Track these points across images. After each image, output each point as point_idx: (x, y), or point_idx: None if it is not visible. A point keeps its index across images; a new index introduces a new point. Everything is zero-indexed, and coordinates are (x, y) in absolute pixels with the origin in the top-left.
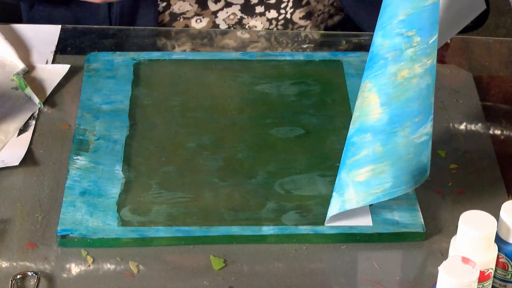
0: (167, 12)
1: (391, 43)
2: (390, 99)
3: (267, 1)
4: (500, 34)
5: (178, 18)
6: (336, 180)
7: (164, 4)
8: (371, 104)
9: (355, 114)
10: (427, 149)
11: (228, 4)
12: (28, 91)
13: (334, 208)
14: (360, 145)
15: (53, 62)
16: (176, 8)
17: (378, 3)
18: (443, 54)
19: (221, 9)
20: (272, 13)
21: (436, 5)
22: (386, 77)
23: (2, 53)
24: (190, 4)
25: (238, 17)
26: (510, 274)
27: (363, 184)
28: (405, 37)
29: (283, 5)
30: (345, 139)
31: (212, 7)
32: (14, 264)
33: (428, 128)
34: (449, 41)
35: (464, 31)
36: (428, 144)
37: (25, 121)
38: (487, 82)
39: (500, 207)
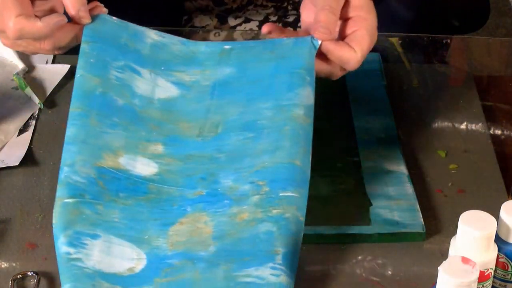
0: (188, 26)
1: (241, 188)
2: (224, 235)
3: (285, 20)
4: (500, 34)
5: (198, 31)
6: None
7: (186, 17)
8: (203, 235)
9: (179, 239)
10: None
11: (247, 20)
12: (28, 91)
13: None
14: (178, 269)
15: (53, 62)
16: (197, 22)
17: (376, 7)
18: (443, 54)
19: (240, 24)
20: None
21: (295, 167)
22: (226, 216)
23: (2, 53)
24: (210, 18)
25: (255, 32)
26: (510, 274)
27: None
28: (255, 185)
29: (299, 24)
30: (345, 139)
31: (232, 22)
32: (14, 264)
33: (264, 273)
34: (449, 41)
35: (464, 31)
36: None
37: (25, 121)
38: (487, 82)
39: (500, 207)
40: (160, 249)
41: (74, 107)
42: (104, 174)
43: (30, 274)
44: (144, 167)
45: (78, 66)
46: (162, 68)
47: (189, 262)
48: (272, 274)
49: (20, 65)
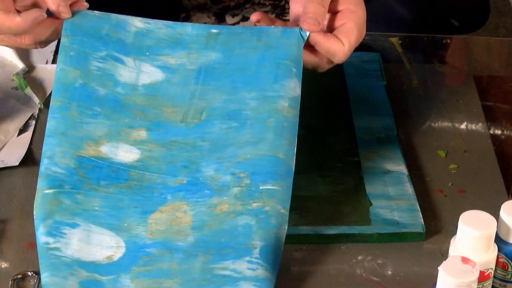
0: None
1: (223, 179)
2: (203, 225)
3: (283, 18)
4: (500, 34)
5: None
6: (112, 281)
7: (184, 15)
8: (182, 225)
9: (158, 228)
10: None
11: (245, 19)
12: (28, 91)
13: None
14: (156, 258)
15: (53, 62)
16: (194, 19)
17: (376, 8)
18: (443, 54)
19: (237, 22)
20: None
21: (277, 159)
22: (206, 206)
23: (2, 53)
24: (208, 17)
25: None
26: (510, 274)
27: None
28: (236, 177)
29: None
30: (345, 139)
31: (229, 20)
32: (14, 264)
33: (241, 266)
34: (449, 41)
35: (464, 31)
36: (237, 283)
37: (25, 121)
38: (487, 82)
39: (500, 207)
40: (139, 237)
41: (54, 101)
42: (84, 163)
43: (30, 274)
44: (126, 154)
45: (58, 61)
46: (147, 53)
47: (167, 252)
48: (249, 268)
49: (20, 65)
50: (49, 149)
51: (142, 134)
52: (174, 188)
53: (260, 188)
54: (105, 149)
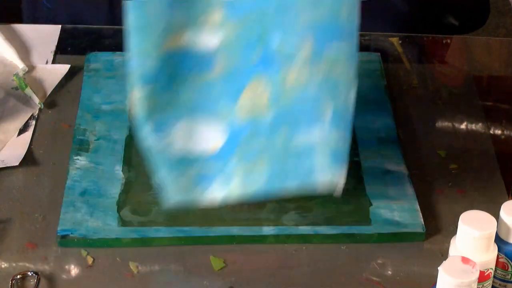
0: None
1: (289, 47)
2: (279, 98)
3: None
4: (500, 34)
5: None
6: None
7: None
8: (263, 102)
9: (247, 108)
10: (312, 161)
11: None
12: (28, 91)
13: (216, 193)
14: (249, 140)
15: (53, 62)
16: None
17: (375, 7)
18: (443, 54)
19: None
20: None
21: (329, 19)
22: (279, 79)
23: (2, 53)
24: None
25: None
26: (510, 274)
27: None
28: (301, 42)
29: None
30: None
31: None
32: (14, 264)
33: (314, 135)
34: (449, 41)
35: (464, 31)
36: (313, 155)
37: (25, 121)
38: (487, 82)
39: (500, 207)
40: (234, 122)
41: None
42: (171, 56)
43: (30, 274)
44: (207, 38)
45: None
46: None
47: (256, 132)
48: (322, 136)
49: (20, 65)
50: (135, 46)
51: (219, 15)
52: (254, 66)
53: (325, 50)
54: (187, 38)
